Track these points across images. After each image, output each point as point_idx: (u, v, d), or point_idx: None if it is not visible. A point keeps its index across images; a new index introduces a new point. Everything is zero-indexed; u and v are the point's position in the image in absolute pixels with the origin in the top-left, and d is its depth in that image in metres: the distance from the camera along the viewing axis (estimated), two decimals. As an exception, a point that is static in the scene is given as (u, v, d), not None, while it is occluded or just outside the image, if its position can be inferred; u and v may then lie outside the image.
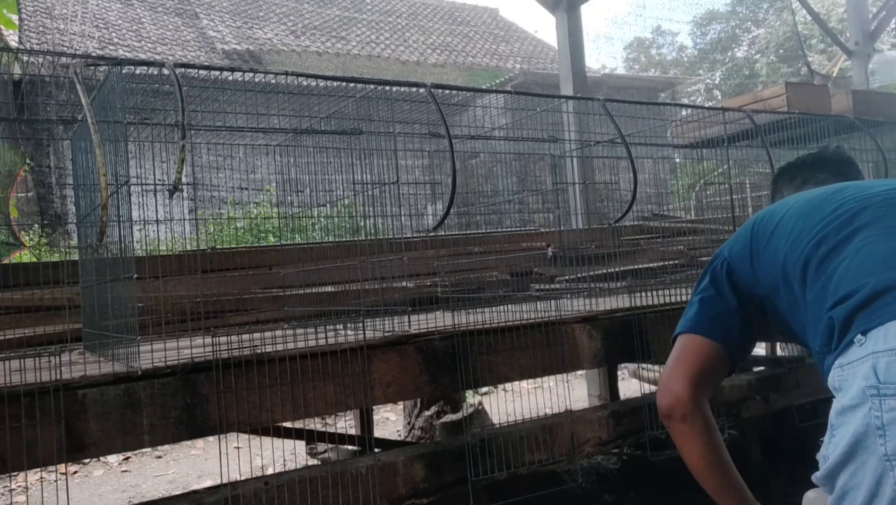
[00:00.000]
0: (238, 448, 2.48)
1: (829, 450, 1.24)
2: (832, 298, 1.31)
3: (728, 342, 1.60)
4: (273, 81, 2.53)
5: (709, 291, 1.63)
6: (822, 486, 1.28)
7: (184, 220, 4.01)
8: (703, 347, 1.60)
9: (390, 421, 5.74)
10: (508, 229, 4.30)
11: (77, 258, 2.69)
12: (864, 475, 1.16)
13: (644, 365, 4.64)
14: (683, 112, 3.96)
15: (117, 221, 1.93)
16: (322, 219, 3.24)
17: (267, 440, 2.64)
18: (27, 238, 6.69)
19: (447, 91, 2.99)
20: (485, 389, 5.69)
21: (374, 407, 3.32)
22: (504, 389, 5.39)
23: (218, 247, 3.75)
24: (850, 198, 1.47)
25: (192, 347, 2.17)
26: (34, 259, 5.44)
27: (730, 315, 1.60)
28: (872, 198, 1.44)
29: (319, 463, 3.15)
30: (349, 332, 2.49)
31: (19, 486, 4.59)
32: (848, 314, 1.25)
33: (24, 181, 8.26)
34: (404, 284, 2.67)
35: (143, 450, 5.05)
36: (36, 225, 7.55)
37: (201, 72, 2.35)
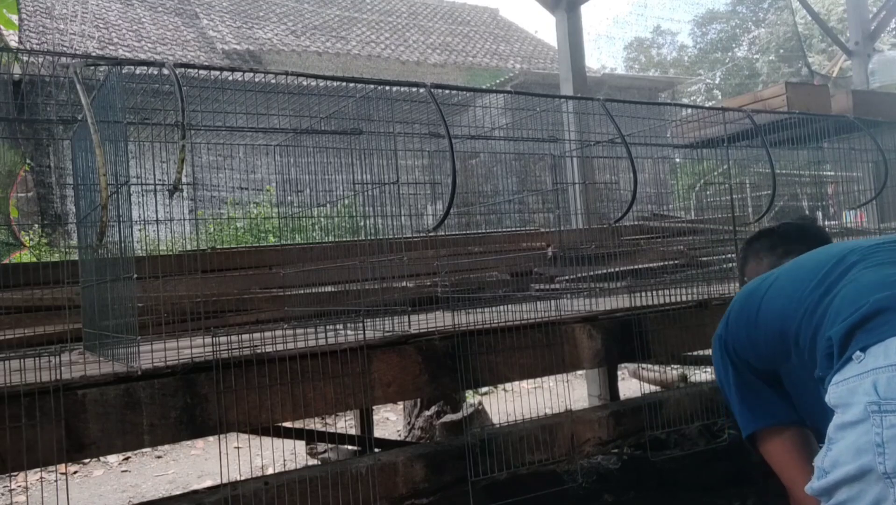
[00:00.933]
0: (238, 448, 2.49)
1: (827, 464, 1.24)
2: (830, 326, 1.32)
3: (797, 418, 1.56)
4: (273, 81, 2.53)
5: (741, 378, 1.61)
6: (818, 496, 1.28)
7: (184, 220, 4.01)
8: (788, 440, 1.57)
9: (390, 421, 5.74)
10: (508, 229, 4.30)
11: (77, 258, 2.69)
12: (863, 493, 1.16)
13: (644, 365, 4.64)
14: (683, 112, 3.96)
15: (117, 221, 1.93)
16: (322, 219, 3.24)
17: (267, 440, 2.64)
18: (27, 238, 6.69)
19: (447, 91, 2.99)
20: (485, 389, 5.69)
21: (374, 407, 3.32)
22: (504, 389, 5.39)
23: (218, 247, 3.75)
24: (835, 251, 1.50)
25: (192, 347, 2.17)
26: (34, 259, 5.44)
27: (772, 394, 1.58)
28: (856, 246, 1.47)
29: (319, 463, 3.15)
30: (349, 332, 2.49)
31: (19, 486, 4.59)
32: (846, 332, 1.26)
33: (25, 181, 8.26)
34: (404, 284, 2.67)
35: (143, 450, 5.05)
36: (36, 225, 7.55)
37: (201, 72, 2.35)
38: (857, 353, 1.22)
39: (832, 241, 1.87)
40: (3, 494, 4.47)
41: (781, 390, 1.56)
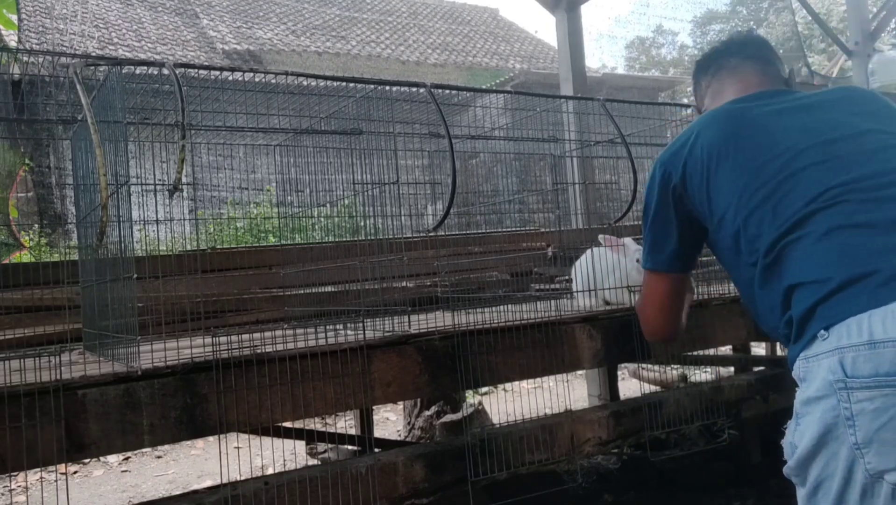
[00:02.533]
0: (238, 448, 2.49)
1: (796, 438, 1.30)
2: (788, 281, 1.36)
3: (686, 267, 1.77)
4: (273, 81, 2.53)
5: (660, 216, 1.69)
6: (794, 477, 1.33)
7: (184, 220, 4.01)
8: (669, 284, 1.76)
9: (390, 421, 5.74)
10: (508, 229, 4.30)
11: (77, 258, 2.69)
12: (836, 465, 1.21)
13: (644, 365, 4.65)
14: (683, 112, 3.96)
15: (117, 221, 1.93)
16: (322, 219, 3.24)
17: (267, 440, 2.64)
18: (27, 238, 6.69)
19: (447, 91, 2.99)
20: (485, 389, 5.69)
21: (374, 407, 3.32)
22: (504, 389, 5.39)
23: (218, 247, 3.75)
24: (779, 149, 1.47)
25: (192, 347, 2.17)
26: (33, 259, 5.44)
27: (678, 243, 1.70)
28: (796, 149, 1.45)
29: (319, 463, 3.16)
30: (349, 332, 2.49)
31: (19, 486, 4.59)
32: (809, 307, 1.30)
33: (25, 181, 8.26)
34: (404, 284, 2.67)
35: (143, 450, 5.05)
36: (35, 225, 7.55)
37: (201, 72, 2.35)
38: (822, 331, 1.26)
39: (767, 44, 1.85)
40: (3, 494, 4.47)
41: (693, 237, 1.69)
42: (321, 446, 3.30)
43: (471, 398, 4.91)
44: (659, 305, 1.80)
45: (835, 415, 1.20)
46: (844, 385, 1.19)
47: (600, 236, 2.91)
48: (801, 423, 1.29)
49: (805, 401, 1.29)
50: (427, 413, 4.36)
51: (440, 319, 2.66)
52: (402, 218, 2.49)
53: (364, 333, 2.28)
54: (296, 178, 3.00)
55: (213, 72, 2.36)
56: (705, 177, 1.55)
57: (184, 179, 2.10)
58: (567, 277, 3.05)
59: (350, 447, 3.11)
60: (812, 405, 1.26)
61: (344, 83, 2.61)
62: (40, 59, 2.20)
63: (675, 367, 4.48)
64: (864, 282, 1.24)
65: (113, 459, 5.02)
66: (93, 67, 2.16)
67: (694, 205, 1.62)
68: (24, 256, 6.05)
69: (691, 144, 1.60)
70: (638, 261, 2.67)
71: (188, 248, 3.83)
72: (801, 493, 1.33)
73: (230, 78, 2.40)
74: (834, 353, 1.22)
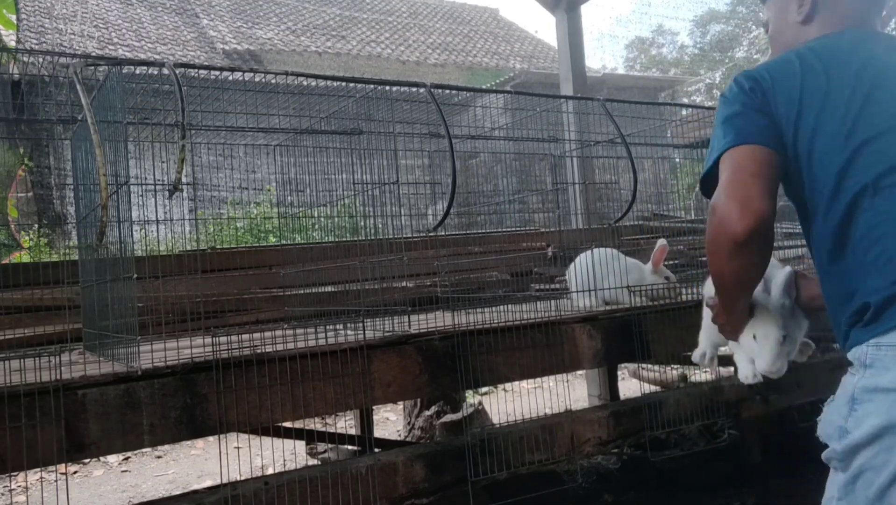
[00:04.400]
0: (238, 448, 2.48)
1: (850, 423, 1.21)
2: (864, 258, 1.23)
3: (779, 151, 1.34)
4: (273, 81, 2.53)
5: (744, 115, 1.36)
6: (837, 462, 1.25)
7: (184, 220, 4.01)
8: (767, 156, 1.31)
9: (390, 421, 5.74)
10: (508, 229, 4.30)
11: (77, 258, 2.69)
12: (887, 459, 1.15)
13: (644, 365, 4.64)
14: (683, 112, 3.96)
15: (117, 221, 1.93)
16: (322, 219, 3.24)
17: (267, 440, 2.64)
18: (26, 239, 6.69)
19: (447, 91, 2.99)
20: (485, 389, 5.69)
21: (374, 407, 3.32)
22: (504, 389, 5.39)
23: (218, 247, 3.75)
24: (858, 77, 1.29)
25: (192, 347, 2.16)
26: (31, 260, 5.44)
27: (771, 125, 1.35)
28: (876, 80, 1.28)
29: (319, 463, 3.15)
30: (349, 332, 2.49)
31: (19, 486, 4.59)
32: (890, 296, 1.20)
33: (24, 181, 8.26)
34: (404, 284, 2.67)
35: (143, 450, 5.05)
36: (35, 225, 7.55)
37: (201, 72, 2.35)
38: None
39: None
40: (3, 494, 4.47)
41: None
42: (321, 446, 3.30)
43: (471, 398, 4.91)
44: (750, 172, 1.29)
45: None
46: None
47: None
48: (860, 409, 1.21)
49: (871, 388, 1.20)
50: (427, 413, 4.36)
51: (440, 319, 2.66)
52: (402, 218, 2.49)
53: (364, 333, 2.28)
54: (296, 178, 3.00)
55: (213, 72, 2.36)
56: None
57: (184, 179, 2.10)
58: (564, 278, 3.05)
59: (350, 447, 3.11)
60: (879, 395, 1.19)
61: (344, 83, 2.61)
62: (40, 59, 2.20)
63: (675, 367, 4.48)
64: None
65: (113, 459, 5.02)
66: (93, 67, 2.16)
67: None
68: (23, 257, 6.05)
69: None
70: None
71: (188, 248, 3.83)
72: (837, 478, 1.26)
73: (230, 78, 2.40)
74: None
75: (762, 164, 1.31)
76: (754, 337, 1.49)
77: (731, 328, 1.54)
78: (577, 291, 2.90)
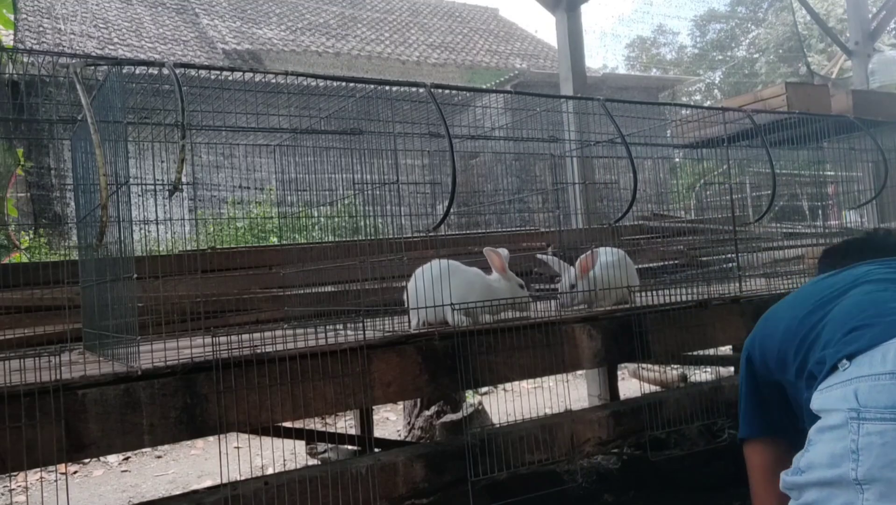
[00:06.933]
0: (238, 448, 2.48)
1: (803, 463, 1.27)
2: (821, 348, 1.35)
3: (787, 435, 1.62)
4: (273, 81, 2.53)
5: (752, 385, 1.72)
6: (788, 490, 1.31)
7: (184, 220, 4.01)
8: (770, 451, 1.67)
9: (390, 421, 5.74)
10: (508, 229, 4.30)
11: (77, 258, 2.68)
12: (832, 497, 1.18)
13: (644, 365, 4.64)
14: (683, 112, 3.96)
15: (117, 221, 1.93)
16: (322, 219, 3.24)
17: (267, 440, 2.64)
18: (25, 239, 6.68)
19: (447, 91, 2.99)
20: (485, 389, 5.69)
21: (374, 407, 3.32)
22: (504, 389, 5.39)
23: (218, 247, 3.75)
24: (850, 277, 1.50)
25: (192, 347, 2.17)
26: (28, 260, 5.44)
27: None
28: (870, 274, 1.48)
29: (319, 463, 3.15)
30: (349, 332, 2.49)
31: (19, 486, 4.59)
32: (840, 350, 1.28)
33: (24, 181, 8.26)
34: (404, 283, 2.67)
35: (143, 450, 5.05)
36: (32, 226, 7.54)
37: (201, 71, 2.35)
38: (844, 361, 1.24)
39: None
40: (3, 494, 4.46)
41: (786, 405, 1.60)
42: (321, 446, 3.30)
43: (471, 398, 4.90)
44: (757, 479, 1.73)
45: (843, 446, 1.15)
46: (857, 415, 1.15)
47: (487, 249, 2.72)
48: (811, 450, 1.26)
49: (820, 429, 1.24)
50: (427, 413, 4.36)
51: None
52: (402, 218, 2.49)
53: (364, 333, 2.28)
54: (296, 178, 3.00)
55: (213, 71, 2.35)
56: None
57: (184, 179, 2.09)
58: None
59: (350, 447, 3.11)
60: (825, 433, 1.22)
61: (344, 83, 2.61)
62: (40, 59, 2.20)
63: (675, 367, 4.48)
64: (884, 320, 1.24)
65: (113, 459, 5.02)
66: (93, 67, 2.16)
67: None
68: (21, 257, 6.04)
69: None
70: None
71: (188, 248, 3.83)
72: None
73: (230, 78, 2.40)
74: (851, 382, 1.19)
75: (767, 464, 1.67)
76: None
77: None
78: (412, 308, 2.60)
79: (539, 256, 3.16)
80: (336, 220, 3.24)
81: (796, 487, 1.28)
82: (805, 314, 1.48)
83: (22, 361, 2.02)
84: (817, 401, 1.27)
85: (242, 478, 2.28)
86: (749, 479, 1.75)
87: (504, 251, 2.78)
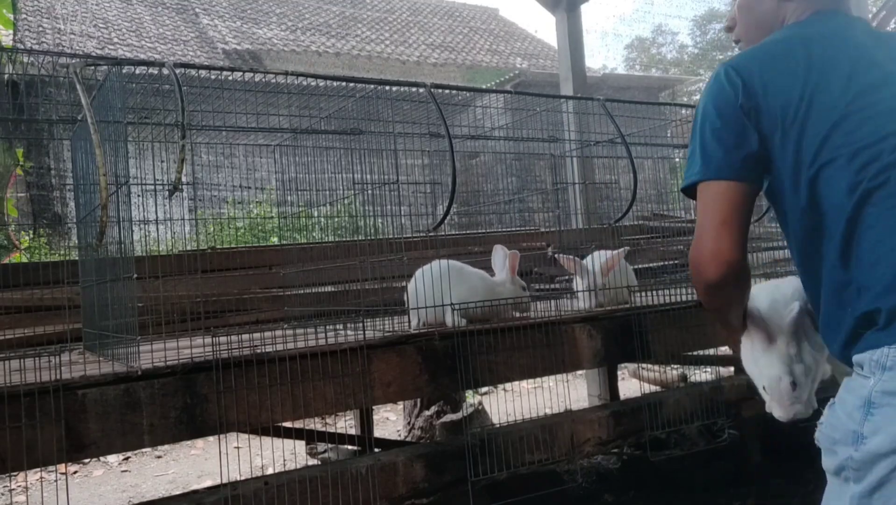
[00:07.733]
0: (238, 448, 2.48)
1: (867, 429, 1.14)
2: (868, 271, 1.19)
3: (755, 181, 1.34)
4: (273, 81, 2.53)
5: (725, 131, 1.35)
6: (853, 471, 1.17)
7: (184, 220, 4.01)
8: (740, 196, 1.32)
9: (390, 421, 5.74)
10: (508, 229, 4.30)
11: (77, 258, 2.69)
12: None
13: (644, 365, 4.64)
14: (683, 112, 3.96)
15: (117, 221, 1.93)
16: (322, 219, 3.24)
17: (267, 440, 2.64)
18: (25, 239, 6.68)
19: (447, 91, 2.99)
20: (485, 389, 5.69)
21: (374, 407, 3.32)
22: (504, 389, 5.38)
23: (218, 247, 3.75)
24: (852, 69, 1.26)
25: (192, 347, 2.17)
26: (28, 260, 5.44)
27: (750, 155, 1.33)
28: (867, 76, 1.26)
29: (319, 463, 3.15)
30: (349, 332, 2.49)
31: (19, 486, 4.59)
32: None
33: (24, 181, 8.26)
34: (404, 283, 2.67)
35: (143, 450, 5.05)
36: (32, 225, 7.54)
37: (201, 71, 2.35)
38: None
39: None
40: (3, 494, 4.47)
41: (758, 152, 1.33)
42: (321, 446, 3.30)
43: (471, 398, 4.91)
44: (721, 220, 1.33)
45: None
46: None
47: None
48: (877, 413, 1.13)
49: (893, 392, 1.13)
50: (427, 413, 4.36)
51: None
52: (402, 218, 2.49)
53: (364, 333, 2.28)
54: (296, 178, 3.00)
55: (213, 71, 2.36)
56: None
57: (184, 179, 2.10)
58: (564, 277, 3.04)
59: (350, 447, 3.11)
60: None
61: (344, 83, 2.61)
62: (40, 59, 2.20)
63: (675, 367, 4.48)
64: None
65: (113, 459, 5.02)
66: (93, 67, 2.16)
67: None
68: (21, 257, 6.04)
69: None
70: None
71: (188, 248, 3.83)
72: (846, 489, 1.18)
73: (230, 77, 2.40)
74: None
75: (734, 208, 1.33)
76: (764, 389, 1.50)
77: (731, 341, 1.58)
78: (412, 309, 2.59)
79: (556, 255, 3.12)
80: (336, 220, 3.24)
81: (868, 461, 1.13)
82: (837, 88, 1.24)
83: (22, 361, 2.02)
84: (890, 356, 1.15)
85: (242, 478, 2.28)
86: (701, 217, 1.37)
87: (517, 253, 2.78)
